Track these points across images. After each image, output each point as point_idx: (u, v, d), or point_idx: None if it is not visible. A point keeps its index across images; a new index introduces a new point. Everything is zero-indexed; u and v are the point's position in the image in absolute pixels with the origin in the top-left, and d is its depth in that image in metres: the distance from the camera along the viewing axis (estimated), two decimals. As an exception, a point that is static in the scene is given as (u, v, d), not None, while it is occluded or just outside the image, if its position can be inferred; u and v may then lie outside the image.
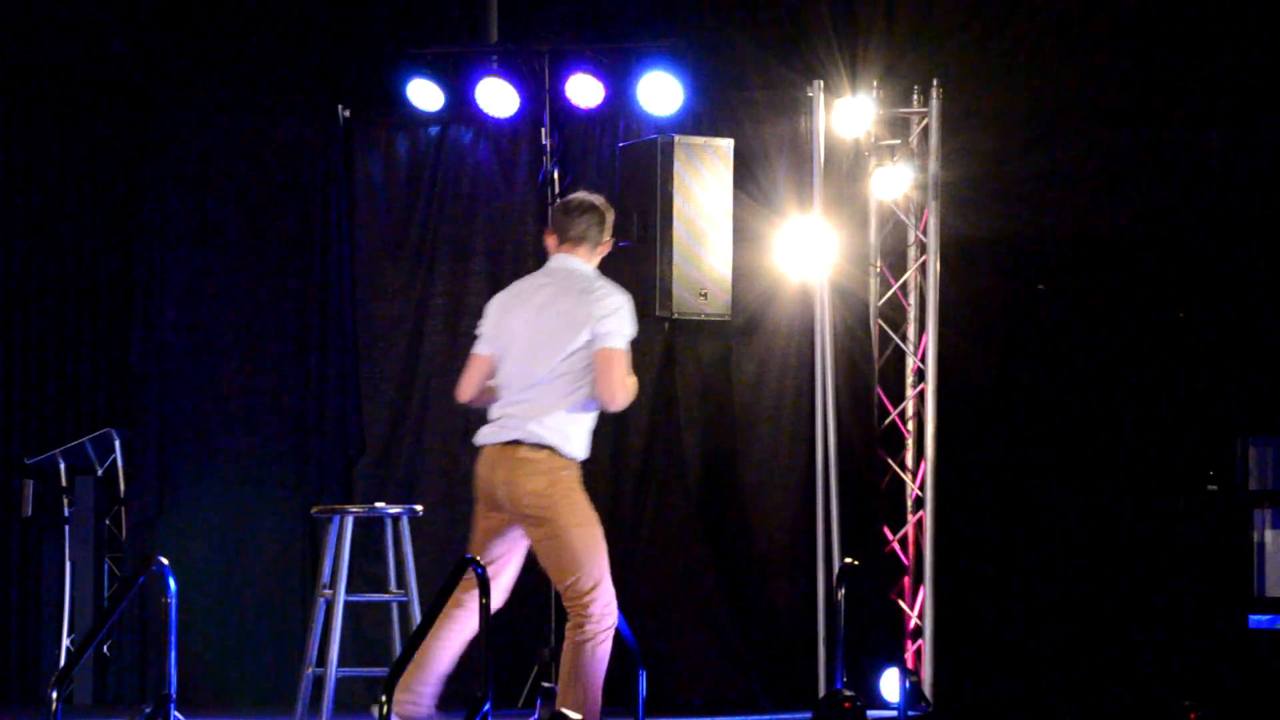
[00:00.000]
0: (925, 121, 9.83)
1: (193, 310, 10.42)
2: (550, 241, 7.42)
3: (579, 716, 7.28)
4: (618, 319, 7.16)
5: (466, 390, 7.33)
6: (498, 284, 10.26)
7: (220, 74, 10.57)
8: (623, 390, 7.11)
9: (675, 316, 9.53)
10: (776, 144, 10.00)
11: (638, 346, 10.04)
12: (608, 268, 9.95)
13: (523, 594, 10.02)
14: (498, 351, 7.26)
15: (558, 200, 9.95)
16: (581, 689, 7.13)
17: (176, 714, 7.71)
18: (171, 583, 7.69)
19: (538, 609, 9.81)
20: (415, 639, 7.49)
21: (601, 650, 7.12)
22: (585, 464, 10.11)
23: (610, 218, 7.41)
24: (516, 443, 7.14)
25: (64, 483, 10.54)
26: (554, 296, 7.23)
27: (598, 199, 7.41)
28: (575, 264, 7.32)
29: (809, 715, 8.46)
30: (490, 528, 7.27)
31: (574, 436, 7.16)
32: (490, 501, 7.22)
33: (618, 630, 8.34)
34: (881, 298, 9.99)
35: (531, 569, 10.03)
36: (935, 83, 9.80)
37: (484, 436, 7.24)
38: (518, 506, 7.14)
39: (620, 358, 7.12)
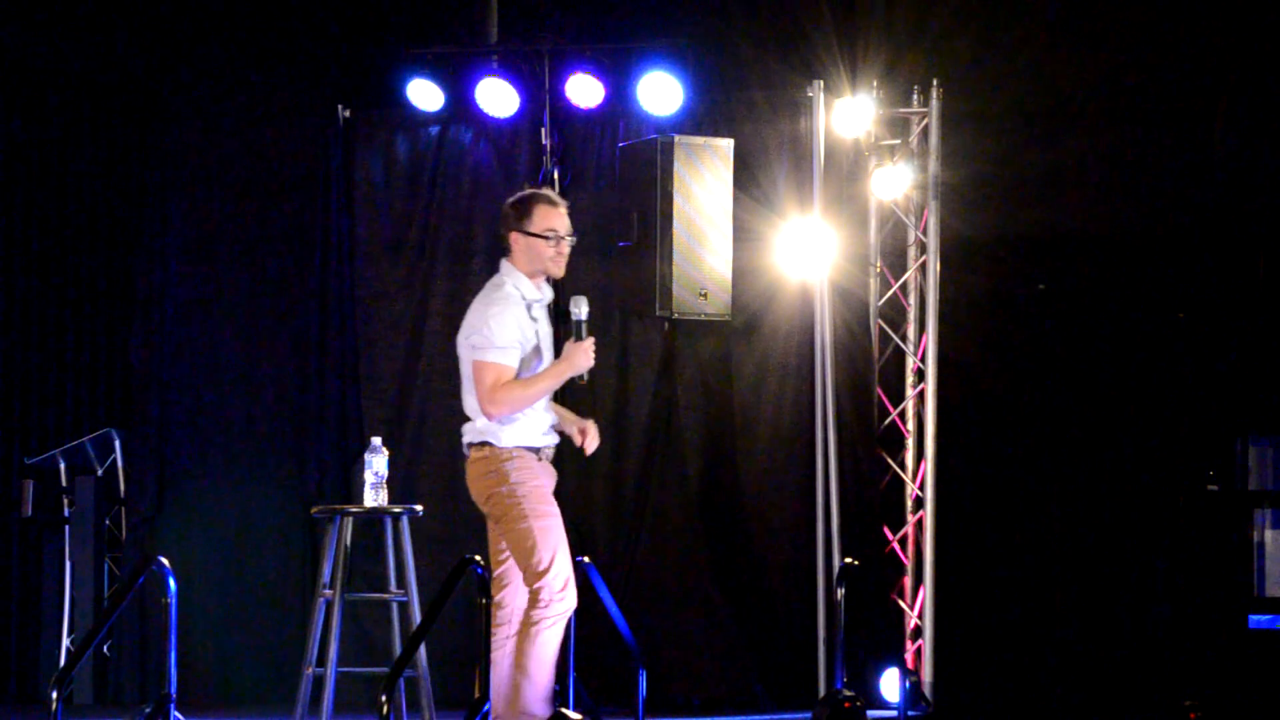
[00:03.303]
0: (925, 121, 9.83)
1: (193, 310, 10.41)
2: None
3: (578, 717, 7.29)
4: (475, 321, 7.28)
5: None
6: (498, 284, 10.31)
7: (221, 74, 10.57)
8: (496, 406, 7.21)
9: (675, 316, 9.54)
10: (776, 144, 10.00)
11: (638, 346, 10.16)
12: (608, 268, 10.01)
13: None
14: None
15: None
16: (520, 671, 7.26)
17: (176, 714, 7.71)
18: (171, 583, 7.69)
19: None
20: (415, 639, 7.50)
21: (544, 635, 7.24)
22: (586, 463, 10.16)
23: (516, 210, 7.39)
24: (467, 447, 7.39)
25: (64, 483, 10.54)
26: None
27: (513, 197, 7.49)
28: (501, 268, 7.44)
29: (809, 715, 8.46)
30: (492, 528, 7.48)
31: (506, 428, 7.28)
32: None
33: (618, 630, 8.35)
34: (881, 298, 9.99)
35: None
36: (935, 83, 9.80)
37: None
38: (477, 505, 7.42)
39: (487, 376, 7.22)
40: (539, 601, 7.24)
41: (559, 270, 7.42)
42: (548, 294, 7.49)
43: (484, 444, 7.31)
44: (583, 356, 7.27)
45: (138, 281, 10.57)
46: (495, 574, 7.41)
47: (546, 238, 7.32)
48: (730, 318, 9.72)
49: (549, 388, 7.31)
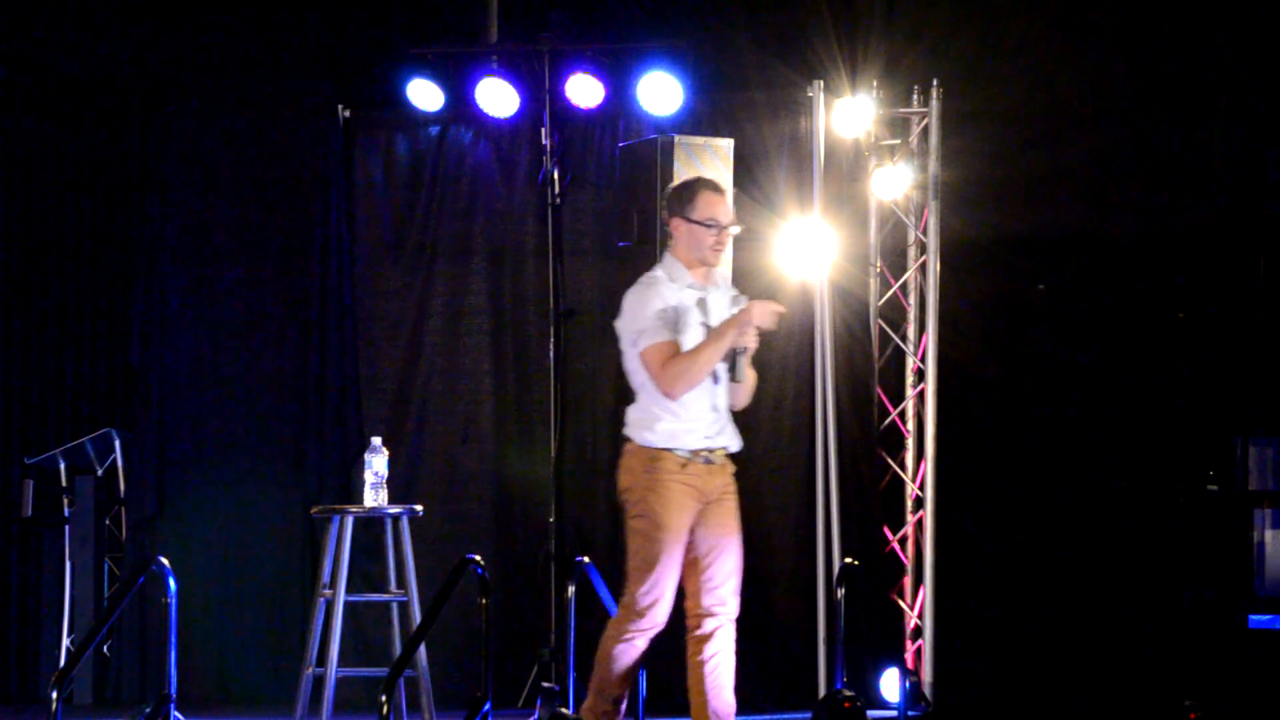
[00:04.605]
0: (925, 121, 9.83)
1: (193, 310, 10.41)
2: None
3: (578, 717, 7.28)
4: (628, 312, 7.09)
5: None
6: (498, 284, 10.32)
7: (220, 74, 10.57)
8: (669, 383, 6.96)
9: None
10: (776, 144, 10.00)
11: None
12: (608, 268, 10.01)
13: (523, 594, 10.07)
14: None
15: (558, 200, 9.98)
16: (595, 675, 7.08)
17: (176, 714, 7.72)
18: (171, 583, 7.70)
19: (538, 609, 9.81)
20: (415, 639, 7.50)
21: (616, 649, 7.03)
22: (585, 462, 10.16)
23: (679, 196, 7.17)
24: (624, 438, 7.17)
25: (64, 483, 10.54)
26: None
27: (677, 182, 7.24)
28: (662, 258, 7.23)
29: (809, 715, 8.46)
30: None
31: (644, 424, 7.05)
32: None
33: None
34: (881, 298, 9.99)
35: (520, 570, 10.06)
36: (935, 83, 9.80)
37: None
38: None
39: (651, 356, 6.99)
40: (625, 613, 7.01)
41: (717, 260, 7.18)
42: (719, 285, 7.21)
43: (630, 439, 7.09)
44: (756, 311, 6.96)
45: (138, 281, 10.57)
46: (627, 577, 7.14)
47: (708, 226, 7.10)
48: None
49: (716, 350, 6.94)
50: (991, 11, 10.07)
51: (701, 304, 7.09)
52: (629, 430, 7.11)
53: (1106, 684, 9.71)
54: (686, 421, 7.03)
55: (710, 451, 7.08)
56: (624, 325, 7.10)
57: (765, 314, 6.99)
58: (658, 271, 7.13)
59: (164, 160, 10.51)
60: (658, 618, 7.07)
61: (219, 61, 10.59)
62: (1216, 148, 9.90)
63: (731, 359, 7.05)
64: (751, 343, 7.03)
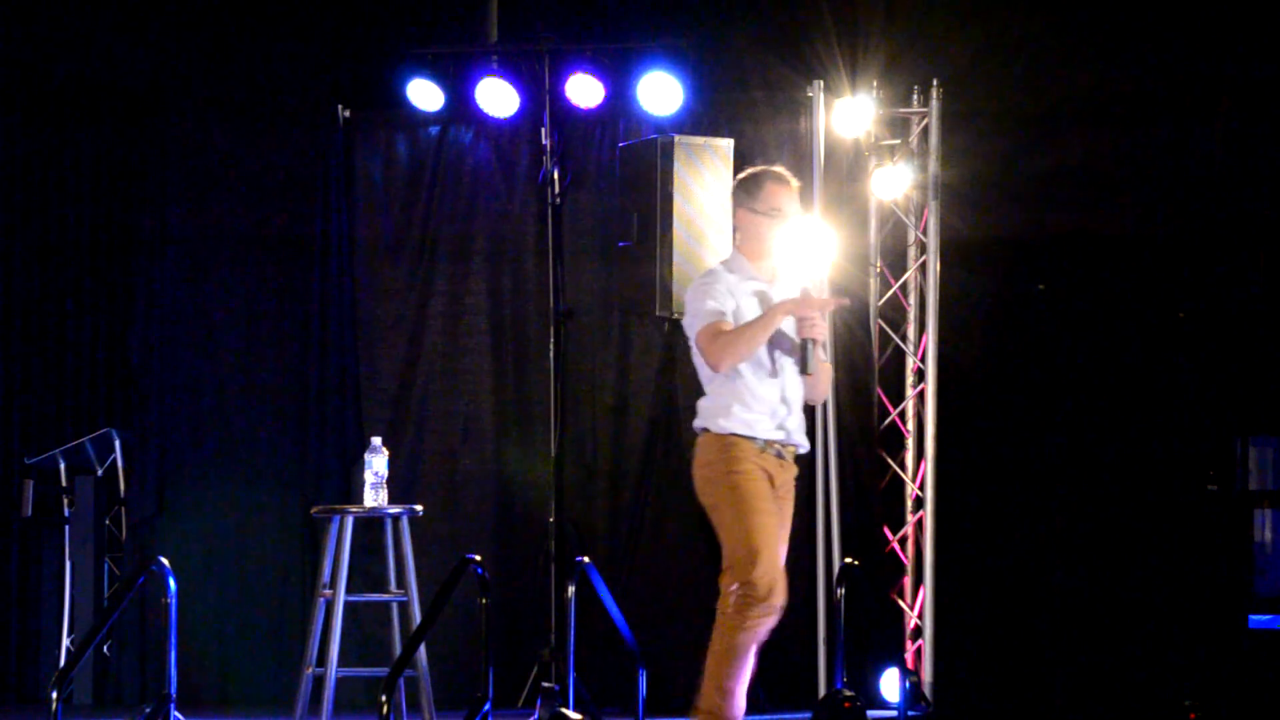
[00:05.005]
0: (925, 121, 9.83)
1: (193, 310, 10.41)
2: None
3: (578, 717, 7.28)
4: (686, 306, 7.08)
5: None
6: (498, 284, 10.32)
7: (220, 74, 10.57)
8: (715, 355, 6.91)
9: (675, 316, 9.53)
10: (776, 144, 10.00)
11: (638, 346, 10.16)
12: (608, 268, 10.01)
13: (523, 594, 10.07)
14: None
15: (558, 200, 9.98)
16: (709, 677, 6.93)
17: (176, 714, 7.72)
18: (171, 583, 7.70)
19: (538, 609, 9.81)
20: (415, 639, 7.50)
21: (738, 639, 6.86)
22: (585, 462, 10.16)
23: (745, 187, 7.14)
24: (696, 430, 7.10)
25: (64, 483, 10.54)
26: None
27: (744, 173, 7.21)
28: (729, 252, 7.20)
29: (809, 715, 8.46)
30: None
31: (716, 411, 7.00)
32: None
33: (618, 630, 8.35)
34: (881, 298, 9.99)
35: (520, 571, 10.06)
36: (935, 83, 9.80)
37: None
38: (696, 495, 7.08)
39: (701, 335, 6.94)
40: (739, 602, 6.86)
41: (782, 252, 7.16)
42: (783, 279, 7.17)
43: (704, 429, 7.04)
44: (816, 301, 6.96)
45: (137, 281, 10.56)
46: (725, 566, 7.02)
47: (772, 216, 7.08)
48: (730, 318, 9.71)
49: (764, 328, 6.90)
50: (991, 11, 10.07)
51: (762, 298, 7.05)
52: (702, 420, 7.05)
53: (1106, 684, 9.71)
54: (756, 411, 6.99)
55: (782, 446, 7.05)
56: (686, 318, 7.09)
57: (825, 305, 7.02)
58: (717, 265, 7.14)
59: (164, 160, 10.51)
60: (779, 598, 6.92)
61: (219, 62, 10.58)
62: (1216, 148, 9.90)
63: (801, 351, 7.02)
64: (820, 334, 7.01)
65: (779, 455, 7.05)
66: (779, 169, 7.26)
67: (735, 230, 7.18)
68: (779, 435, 7.03)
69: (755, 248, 7.11)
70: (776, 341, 7.01)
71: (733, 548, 6.89)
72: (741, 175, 7.24)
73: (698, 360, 7.08)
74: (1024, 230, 9.98)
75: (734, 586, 6.87)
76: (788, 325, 7.07)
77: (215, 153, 10.46)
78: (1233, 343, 9.85)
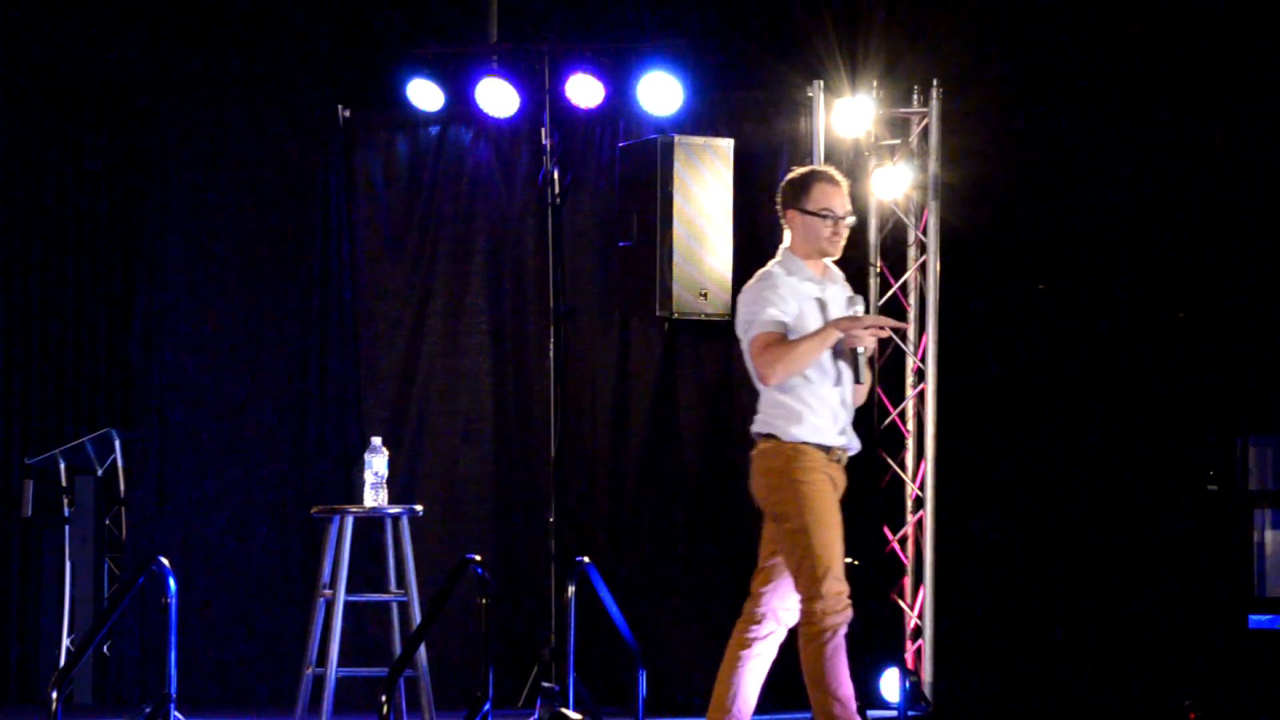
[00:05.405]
0: (925, 121, 9.83)
1: (193, 310, 10.42)
2: None
3: (578, 717, 7.28)
4: (743, 308, 7.04)
5: None
6: (498, 284, 10.32)
7: (220, 74, 10.57)
8: (766, 368, 6.89)
9: (675, 316, 9.54)
10: (776, 144, 10.00)
11: (638, 346, 10.16)
12: (609, 268, 10.01)
13: (523, 594, 10.07)
14: None
15: (558, 200, 9.98)
16: (820, 691, 6.94)
17: (176, 714, 7.72)
18: (171, 583, 7.70)
19: (538, 609, 9.81)
20: (415, 639, 7.50)
21: (830, 647, 6.86)
22: (585, 463, 10.16)
23: (794, 187, 7.09)
24: (755, 438, 7.06)
25: (64, 483, 10.54)
26: None
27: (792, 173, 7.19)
28: (778, 252, 7.15)
29: (809, 715, 8.46)
30: (767, 529, 7.12)
31: (787, 418, 6.96)
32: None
33: (618, 630, 8.35)
34: (881, 298, 9.99)
35: (520, 571, 10.06)
36: (935, 83, 9.80)
37: None
38: (756, 503, 7.06)
39: (755, 343, 6.93)
40: (817, 616, 6.85)
41: (836, 250, 7.08)
42: (836, 280, 7.13)
43: (769, 436, 6.98)
44: (870, 323, 6.94)
45: (138, 282, 10.57)
46: (761, 567, 7.05)
47: (823, 216, 7.01)
48: (730, 317, 9.70)
49: (819, 344, 6.88)
50: (991, 11, 10.07)
51: (821, 304, 7.03)
52: (767, 426, 7.00)
53: (1107, 684, 9.71)
54: (824, 416, 6.99)
55: (843, 450, 7.07)
56: (739, 322, 7.05)
57: (877, 323, 7.01)
58: (774, 267, 7.08)
59: (164, 160, 10.51)
60: (847, 601, 6.91)
61: (219, 62, 10.59)
62: (1216, 146, 9.90)
63: (853, 358, 7.05)
64: (870, 345, 7.03)
65: (839, 461, 7.07)
66: (828, 168, 7.23)
67: (786, 229, 7.14)
68: (841, 440, 7.06)
69: (808, 247, 7.08)
70: (835, 348, 7.01)
71: (801, 558, 6.88)
72: (790, 176, 7.20)
73: (751, 365, 7.06)
74: (1024, 230, 9.99)
75: (814, 599, 6.86)
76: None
77: (215, 153, 10.47)
78: (1233, 343, 9.85)
